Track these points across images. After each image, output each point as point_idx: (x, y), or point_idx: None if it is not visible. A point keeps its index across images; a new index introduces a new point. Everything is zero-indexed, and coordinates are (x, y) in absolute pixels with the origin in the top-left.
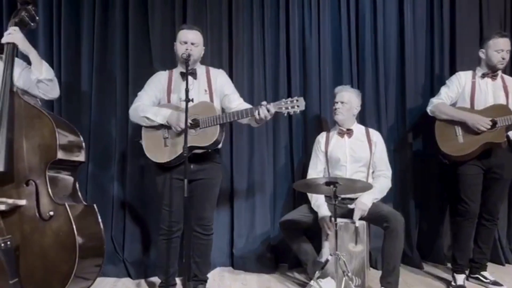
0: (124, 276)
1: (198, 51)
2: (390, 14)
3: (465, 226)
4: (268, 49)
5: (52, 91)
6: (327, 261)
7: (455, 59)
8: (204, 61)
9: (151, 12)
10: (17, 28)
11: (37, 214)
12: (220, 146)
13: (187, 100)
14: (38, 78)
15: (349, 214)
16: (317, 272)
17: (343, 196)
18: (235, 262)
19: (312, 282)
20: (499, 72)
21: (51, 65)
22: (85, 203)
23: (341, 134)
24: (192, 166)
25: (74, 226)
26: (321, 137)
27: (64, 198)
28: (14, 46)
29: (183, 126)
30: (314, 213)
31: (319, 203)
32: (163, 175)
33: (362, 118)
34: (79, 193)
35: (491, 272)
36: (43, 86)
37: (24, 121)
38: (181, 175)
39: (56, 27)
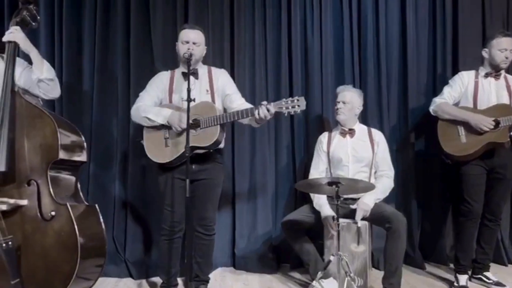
0: (126, 276)
1: (200, 50)
2: (392, 14)
3: (468, 226)
4: (270, 49)
5: (53, 90)
6: (329, 261)
7: (457, 59)
8: (205, 61)
9: (152, 11)
10: (18, 27)
11: (39, 214)
12: (222, 146)
13: (189, 100)
14: (39, 77)
15: (351, 214)
16: (319, 272)
17: (345, 196)
18: (237, 262)
19: (314, 283)
20: (502, 72)
21: (52, 64)
22: (86, 203)
23: (343, 134)
24: (194, 166)
25: (76, 226)
26: (323, 137)
27: (65, 198)
28: (15, 45)
29: (184, 126)
30: (316, 213)
31: (322, 203)
32: (165, 175)
33: (364, 118)
34: (81, 193)
35: (494, 272)
36: (44, 85)
37: (25, 120)
38: (183, 175)
39: (58, 27)
